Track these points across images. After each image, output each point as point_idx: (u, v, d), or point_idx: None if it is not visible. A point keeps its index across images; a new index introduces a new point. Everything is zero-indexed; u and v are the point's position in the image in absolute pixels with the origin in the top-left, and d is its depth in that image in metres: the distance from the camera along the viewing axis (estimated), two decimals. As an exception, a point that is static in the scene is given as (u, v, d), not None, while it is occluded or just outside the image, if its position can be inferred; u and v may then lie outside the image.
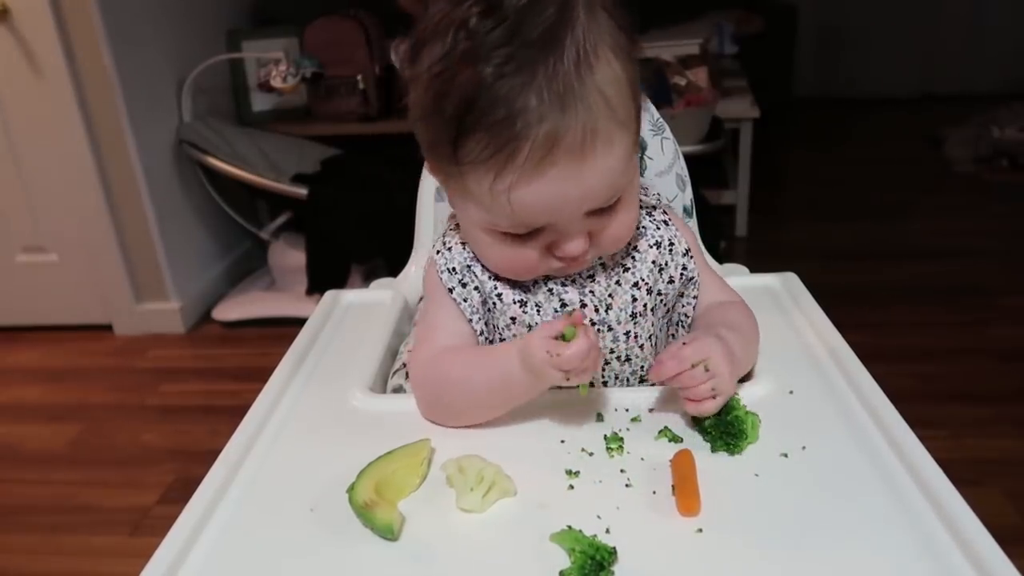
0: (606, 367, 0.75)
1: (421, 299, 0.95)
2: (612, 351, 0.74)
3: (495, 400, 0.68)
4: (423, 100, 0.62)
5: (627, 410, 0.70)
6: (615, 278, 0.74)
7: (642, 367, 0.76)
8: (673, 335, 0.80)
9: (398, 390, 0.78)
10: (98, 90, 2.22)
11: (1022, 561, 0.52)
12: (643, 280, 0.74)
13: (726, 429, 0.64)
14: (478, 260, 0.73)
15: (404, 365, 0.81)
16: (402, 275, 1.00)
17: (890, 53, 4.63)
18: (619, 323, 0.73)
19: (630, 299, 0.73)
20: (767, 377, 0.72)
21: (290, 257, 2.55)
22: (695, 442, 0.65)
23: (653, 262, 0.75)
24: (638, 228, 0.75)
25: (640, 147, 0.93)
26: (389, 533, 0.56)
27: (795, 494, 0.59)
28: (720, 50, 3.14)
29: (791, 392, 0.71)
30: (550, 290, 0.72)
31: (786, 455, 0.63)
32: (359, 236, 2.42)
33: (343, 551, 0.56)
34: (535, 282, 0.72)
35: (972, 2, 4.49)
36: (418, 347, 0.74)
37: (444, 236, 0.76)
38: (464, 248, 0.73)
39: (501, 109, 0.57)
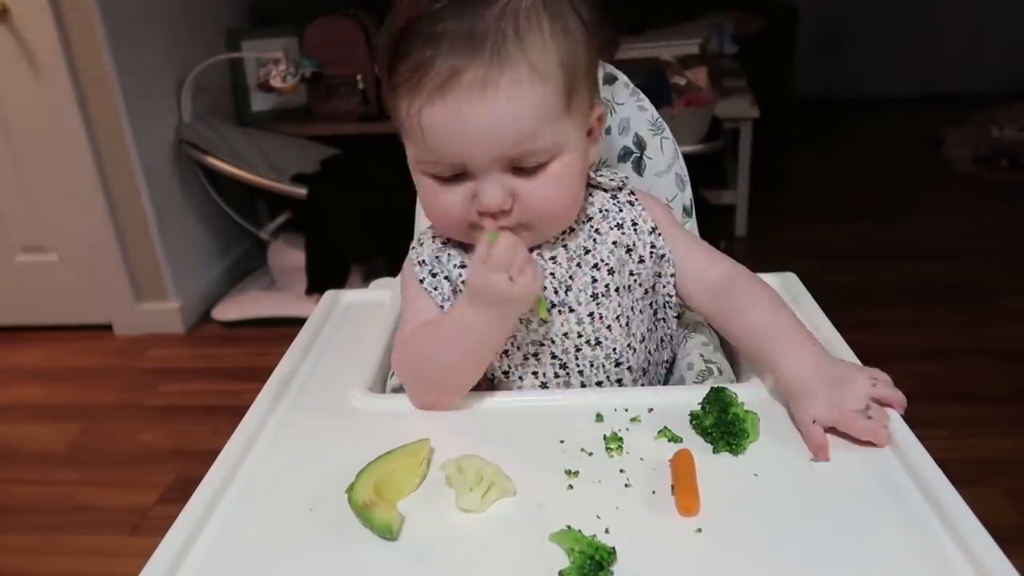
0: (578, 354, 0.76)
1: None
2: (580, 335, 0.75)
3: (469, 354, 0.70)
4: (382, 44, 0.68)
5: (627, 410, 0.70)
6: (576, 260, 0.76)
7: (614, 349, 0.76)
8: (663, 318, 0.81)
9: (398, 390, 0.78)
10: (98, 90, 2.22)
11: (1022, 561, 0.52)
12: (603, 261, 0.76)
13: (727, 429, 0.64)
14: (446, 250, 0.77)
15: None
16: (402, 275, 1.00)
17: (890, 53, 4.63)
18: (580, 304, 0.75)
19: (590, 280, 0.75)
20: (767, 377, 0.72)
21: (290, 257, 2.55)
22: (695, 442, 0.65)
23: (615, 243, 0.77)
24: (601, 211, 0.78)
25: (639, 146, 0.93)
26: (388, 533, 0.56)
27: (794, 494, 0.59)
28: (720, 50, 3.14)
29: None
30: None
31: (786, 455, 0.63)
32: (358, 236, 2.42)
33: (342, 551, 0.56)
34: None
35: (972, 2, 4.49)
36: (398, 337, 0.78)
37: (419, 233, 0.82)
38: (433, 240, 0.79)
39: (421, 38, 0.64)
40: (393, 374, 0.81)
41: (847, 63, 4.68)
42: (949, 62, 4.61)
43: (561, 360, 0.76)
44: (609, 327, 0.76)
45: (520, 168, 0.67)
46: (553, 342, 0.75)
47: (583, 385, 0.77)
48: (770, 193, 3.27)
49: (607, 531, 0.56)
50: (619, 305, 0.76)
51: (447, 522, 0.59)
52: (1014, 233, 2.89)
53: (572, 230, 0.76)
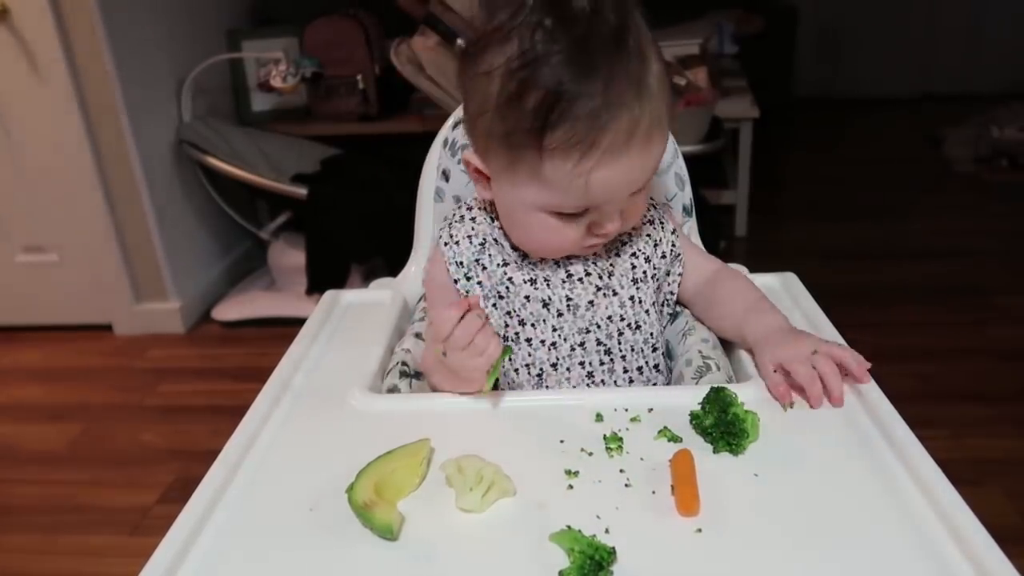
0: (620, 338, 0.81)
1: (421, 297, 0.96)
2: (622, 318, 0.81)
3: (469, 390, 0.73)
4: (497, 94, 0.68)
5: (627, 410, 0.70)
6: (614, 250, 0.82)
7: (651, 334, 0.83)
8: (660, 315, 0.86)
9: (393, 389, 0.78)
10: (98, 90, 2.22)
11: (1022, 561, 0.52)
12: (640, 251, 0.83)
13: (727, 429, 0.64)
14: (486, 251, 0.81)
15: (399, 363, 0.81)
16: (402, 275, 1.00)
17: (890, 53, 4.63)
18: (622, 287, 0.81)
19: (630, 266, 0.82)
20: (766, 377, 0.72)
21: (290, 257, 2.55)
22: (695, 442, 0.65)
23: (648, 236, 0.84)
24: None
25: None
26: (388, 533, 0.56)
27: (795, 494, 0.59)
28: (720, 50, 3.14)
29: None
30: (556, 263, 0.80)
31: (786, 455, 0.63)
32: (359, 236, 2.42)
33: (342, 551, 0.56)
34: (541, 259, 0.80)
35: (972, 3, 4.49)
36: (427, 349, 0.79)
37: (450, 228, 0.83)
38: (471, 242, 0.81)
39: (588, 103, 0.65)
40: (389, 372, 0.81)
41: (847, 63, 4.69)
42: (949, 62, 4.61)
43: (606, 346, 0.81)
44: (647, 311, 0.82)
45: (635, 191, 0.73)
46: (599, 327, 0.80)
47: (625, 371, 0.82)
48: (770, 193, 3.27)
49: (607, 531, 0.56)
50: (652, 292, 0.83)
51: (447, 522, 0.59)
52: (1014, 233, 2.89)
53: None
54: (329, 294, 0.98)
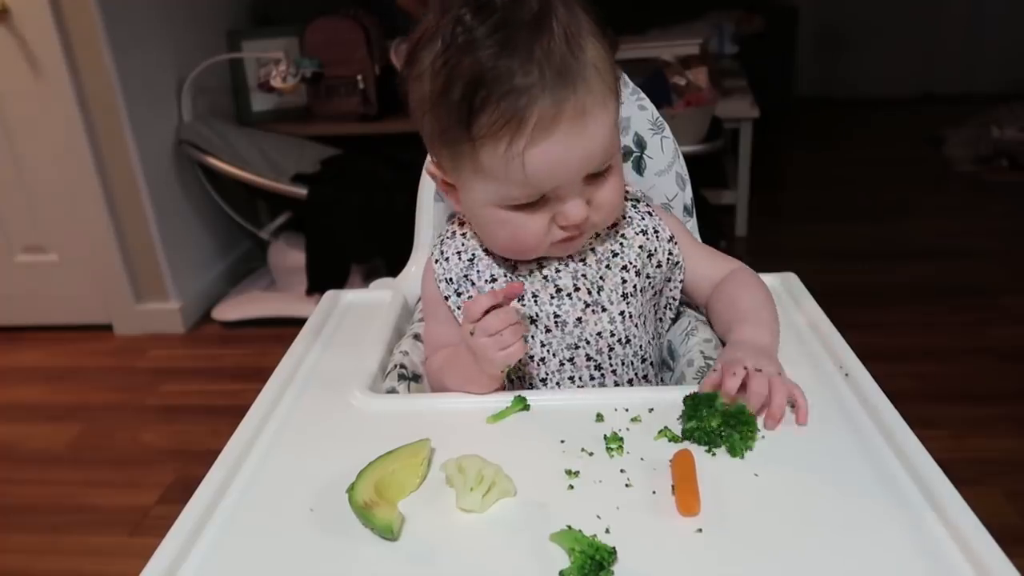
0: (611, 353, 0.79)
1: (420, 300, 0.95)
2: (612, 334, 0.79)
3: (478, 390, 0.73)
4: (429, 91, 0.69)
5: (627, 410, 0.70)
6: (605, 262, 0.80)
7: (640, 347, 0.81)
8: (660, 318, 0.86)
9: (391, 392, 0.78)
10: (98, 90, 2.22)
11: (1022, 561, 0.52)
12: (631, 263, 0.80)
13: (738, 420, 0.64)
14: (475, 267, 0.80)
15: (397, 366, 0.81)
16: (402, 275, 1.00)
17: (890, 53, 4.63)
18: (612, 303, 0.79)
19: (620, 280, 0.80)
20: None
21: (290, 257, 2.55)
22: (694, 449, 0.65)
23: (640, 247, 0.81)
24: (624, 217, 0.82)
25: (639, 146, 0.93)
26: (389, 533, 0.56)
27: (795, 494, 0.59)
28: (720, 50, 3.15)
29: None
30: (545, 277, 0.79)
31: (786, 455, 0.63)
32: (359, 236, 2.42)
33: (343, 551, 0.56)
34: (530, 271, 0.79)
35: (972, 2, 4.49)
36: (427, 359, 0.82)
37: (441, 245, 0.83)
38: (460, 257, 0.81)
39: (507, 82, 0.64)
40: (388, 375, 0.81)
41: (847, 63, 4.69)
42: (949, 62, 4.61)
43: (596, 361, 0.79)
44: (636, 325, 0.80)
45: (591, 175, 0.71)
46: (588, 343, 0.79)
47: (616, 384, 0.80)
48: (770, 193, 3.27)
49: (607, 531, 0.56)
50: (642, 305, 0.81)
51: (448, 522, 0.59)
52: (1014, 233, 2.89)
53: (598, 235, 0.80)
54: (329, 294, 0.98)
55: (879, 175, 3.60)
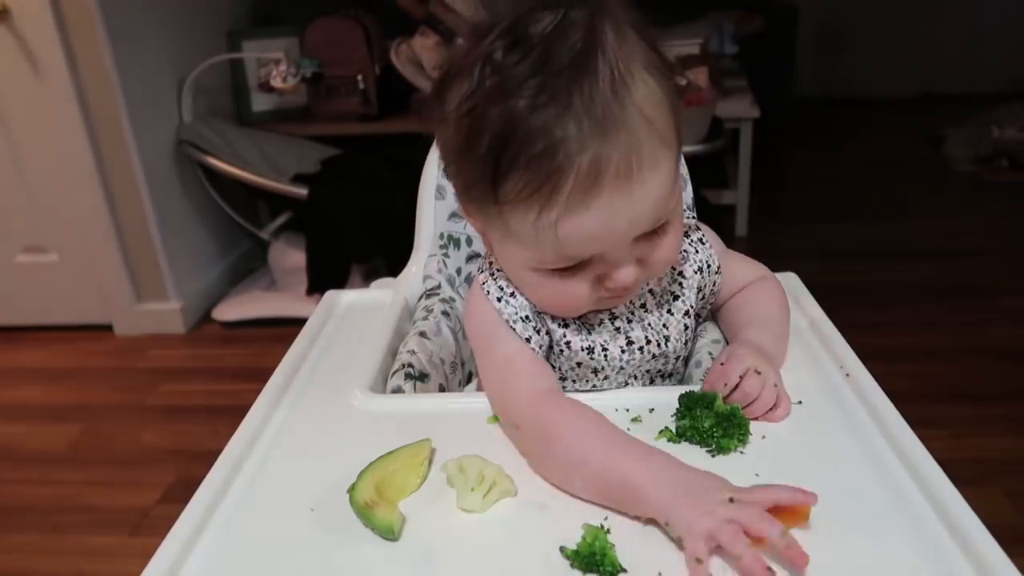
0: (654, 383, 0.77)
1: (421, 297, 0.95)
2: (660, 372, 0.77)
3: (598, 490, 0.59)
4: (454, 141, 0.60)
5: (627, 410, 0.69)
6: (666, 306, 0.75)
7: (671, 375, 0.79)
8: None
9: (396, 391, 0.78)
10: (98, 90, 2.22)
11: (1022, 561, 0.52)
12: (692, 307, 0.76)
13: (730, 422, 0.64)
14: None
15: (404, 365, 0.81)
16: (402, 275, 1.00)
17: (890, 53, 4.63)
18: (675, 352, 0.76)
19: (683, 327, 0.75)
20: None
21: (290, 257, 2.55)
22: (691, 450, 0.65)
23: (699, 288, 0.77)
24: (680, 253, 0.75)
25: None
26: (390, 533, 0.56)
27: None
28: (720, 50, 3.14)
29: (791, 392, 0.71)
30: (617, 329, 0.72)
31: (786, 455, 0.63)
32: (359, 236, 2.42)
33: (343, 551, 0.56)
34: (601, 321, 0.72)
35: (972, 2, 4.49)
36: (508, 391, 0.67)
37: (496, 280, 0.71)
38: (526, 295, 0.70)
39: (539, 142, 0.55)
40: (393, 374, 0.80)
41: (847, 63, 4.68)
42: (949, 62, 4.61)
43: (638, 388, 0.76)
44: (685, 361, 0.79)
45: (644, 234, 0.62)
46: (636, 378, 0.75)
47: None
48: (770, 193, 3.27)
49: (608, 531, 0.56)
50: (690, 341, 0.78)
51: (448, 522, 0.59)
52: (1014, 233, 2.89)
53: None
54: (329, 294, 0.98)
55: (879, 175, 3.60)
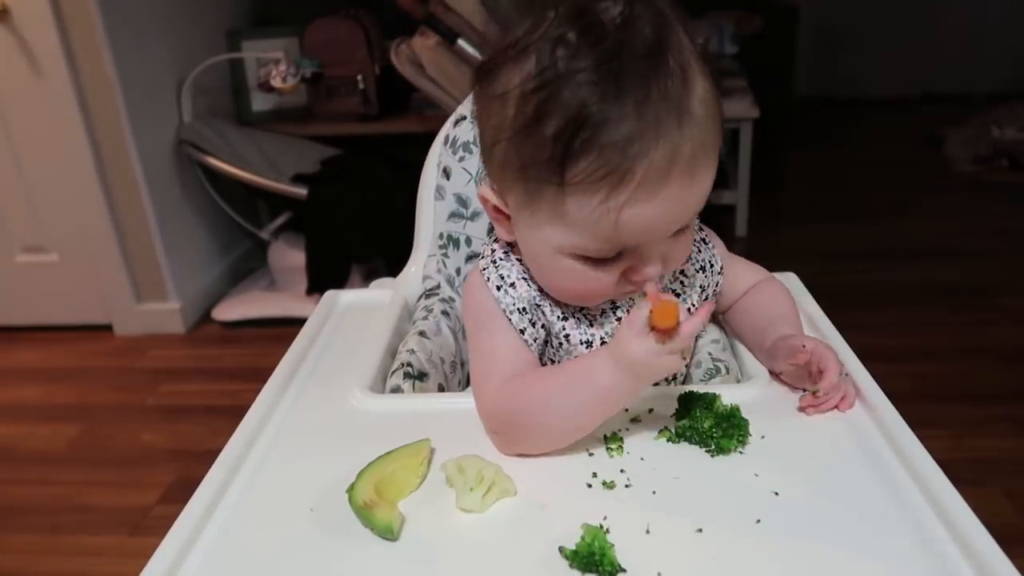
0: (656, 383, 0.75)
1: (421, 297, 0.95)
2: (666, 378, 0.75)
3: (589, 419, 0.63)
4: (512, 120, 0.60)
5: (627, 410, 0.69)
6: None
7: (676, 376, 0.78)
8: None
9: (396, 390, 0.78)
10: (98, 90, 2.22)
11: (1022, 561, 0.52)
12: (694, 305, 0.76)
13: (730, 423, 0.64)
14: (546, 297, 0.71)
15: (403, 365, 0.81)
16: (402, 275, 1.00)
17: (890, 53, 4.63)
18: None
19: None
20: (767, 377, 0.72)
21: (290, 257, 2.55)
22: (691, 451, 0.65)
23: (701, 287, 0.77)
24: None
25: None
26: (389, 533, 0.56)
27: (795, 494, 0.59)
28: (720, 50, 3.14)
29: (789, 394, 0.71)
30: (619, 319, 0.72)
31: (786, 455, 0.63)
32: (359, 236, 2.42)
33: (343, 551, 0.56)
34: (603, 311, 0.72)
35: (972, 2, 4.49)
36: (482, 380, 0.69)
37: (497, 269, 0.72)
38: (528, 284, 0.71)
39: (618, 129, 0.56)
40: (392, 374, 0.80)
41: (847, 63, 4.68)
42: (949, 62, 4.61)
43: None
44: (688, 364, 0.78)
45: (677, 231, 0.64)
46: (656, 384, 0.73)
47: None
48: (770, 193, 3.27)
49: (607, 531, 0.56)
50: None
51: (448, 522, 0.59)
52: (1014, 233, 2.89)
53: None
54: (329, 294, 0.98)
55: (879, 175, 3.60)
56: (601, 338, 0.72)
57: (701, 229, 0.79)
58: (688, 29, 0.60)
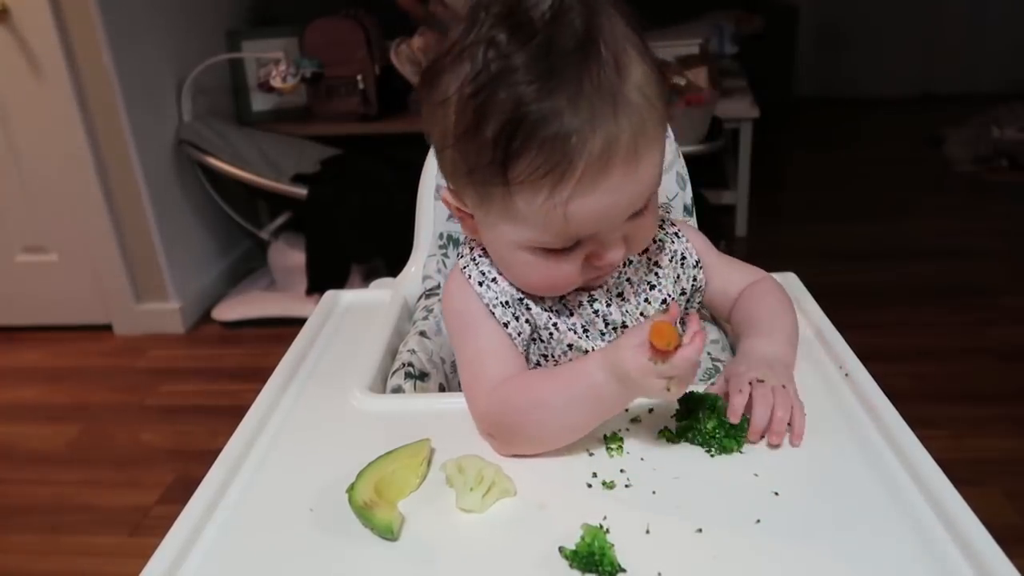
0: None
1: (421, 297, 0.95)
2: None
3: (581, 419, 0.63)
4: (454, 126, 0.61)
5: (627, 410, 0.69)
6: (643, 295, 0.74)
7: None
8: None
9: (397, 390, 0.78)
10: (98, 90, 2.22)
11: (1022, 561, 0.52)
12: (669, 296, 0.75)
13: (732, 424, 0.63)
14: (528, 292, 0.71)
15: (404, 365, 0.81)
16: (402, 275, 1.00)
17: (890, 53, 4.63)
18: None
19: (662, 313, 0.74)
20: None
21: (290, 257, 2.55)
22: (694, 449, 0.65)
23: (677, 278, 0.76)
24: (655, 241, 0.76)
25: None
26: (389, 533, 0.56)
27: (795, 494, 0.59)
28: (720, 50, 3.14)
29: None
30: (596, 312, 0.73)
31: (785, 456, 0.63)
32: (359, 236, 2.42)
33: (343, 551, 0.56)
34: (580, 303, 0.72)
35: (972, 2, 4.49)
36: (473, 383, 0.69)
37: (477, 264, 0.72)
38: (509, 282, 0.71)
39: (553, 124, 0.56)
40: (393, 374, 0.80)
41: (847, 63, 4.69)
42: (949, 62, 4.61)
43: None
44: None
45: (633, 214, 0.64)
46: None
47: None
48: (770, 193, 3.27)
49: (607, 531, 0.56)
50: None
51: (448, 522, 0.59)
52: (1014, 233, 2.89)
53: (630, 262, 0.74)
54: (329, 294, 0.98)
55: (879, 175, 3.60)
56: (582, 326, 0.72)
57: (673, 224, 0.79)
58: (626, 13, 0.60)
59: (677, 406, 0.67)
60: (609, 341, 0.72)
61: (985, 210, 3.14)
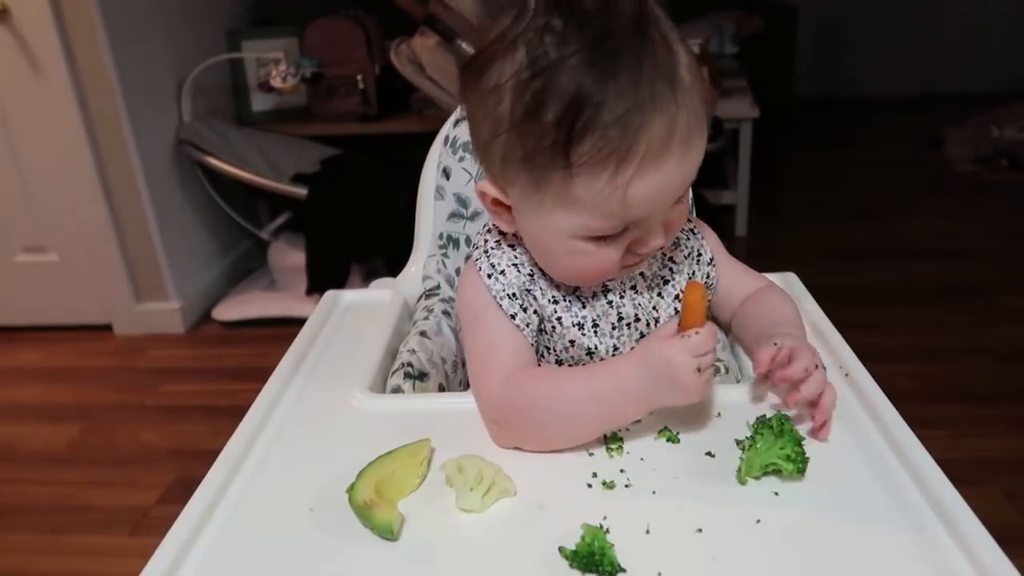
0: None
1: (421, 297, 0.95)
2: None
3: (595, 415, 0.64)
4: (509, 111, 0.61)
5: (627, 410, 0.69)
6: (656, 290, 0.75)
7: None
8: None
9: (396, 390, 0.78)
10: (98, 90, 2.22)
11: (1022, 561, 0.52)
12: (682, 292, 0.75)
13: (799, 454, 0.60)
14: (536, 283, 0.72)
15: (403, 365, 0.81)
16: (402, 275, 1.00)
17: (890, 53, 4.63)
18: None
19: (673, 311, 0.74)
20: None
21: (290, 257, 2.55)
22: (694, 449, 0.65)
23: (691, 275, 0.76)
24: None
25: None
26: (389, 533, 0.56)
27: (795, 494, 0.59)
28: (720, 50, 3.14)
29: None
30: (610, 303, 0.73)
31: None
32: (359, 236, 2.42)
33: (343, 551, 0.56)
34: (594, 295, 0.73)
35: (971, 2, 4.49)
36: (485, 370, 0.69)
37: (489, 258, 0.73)
38: (519, 271, 0.72)
39: (617, 105, 0.57)
40: (392, 374, 0.80)
41: (847, 63, 4.69)
42: (949, 62, 4.61)
43: None
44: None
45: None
46: None
47: None
48: (770, 193, 3.27)
49: (607, 531, 0.56)
50: None
51: (448, 522, 0.59)
52: (1014, 233, 2.89)
53: None
54: (329, 294, 0.98)
55: (879, 175, 3.60)
56: (593, 320, 0.72)
57: (690, 220, 0.79)
58: (659, 2, 0.62)
59: (751, 432, 0.63)
60: (618, 337, 0.73)
61: (985, 210, 3.14)
